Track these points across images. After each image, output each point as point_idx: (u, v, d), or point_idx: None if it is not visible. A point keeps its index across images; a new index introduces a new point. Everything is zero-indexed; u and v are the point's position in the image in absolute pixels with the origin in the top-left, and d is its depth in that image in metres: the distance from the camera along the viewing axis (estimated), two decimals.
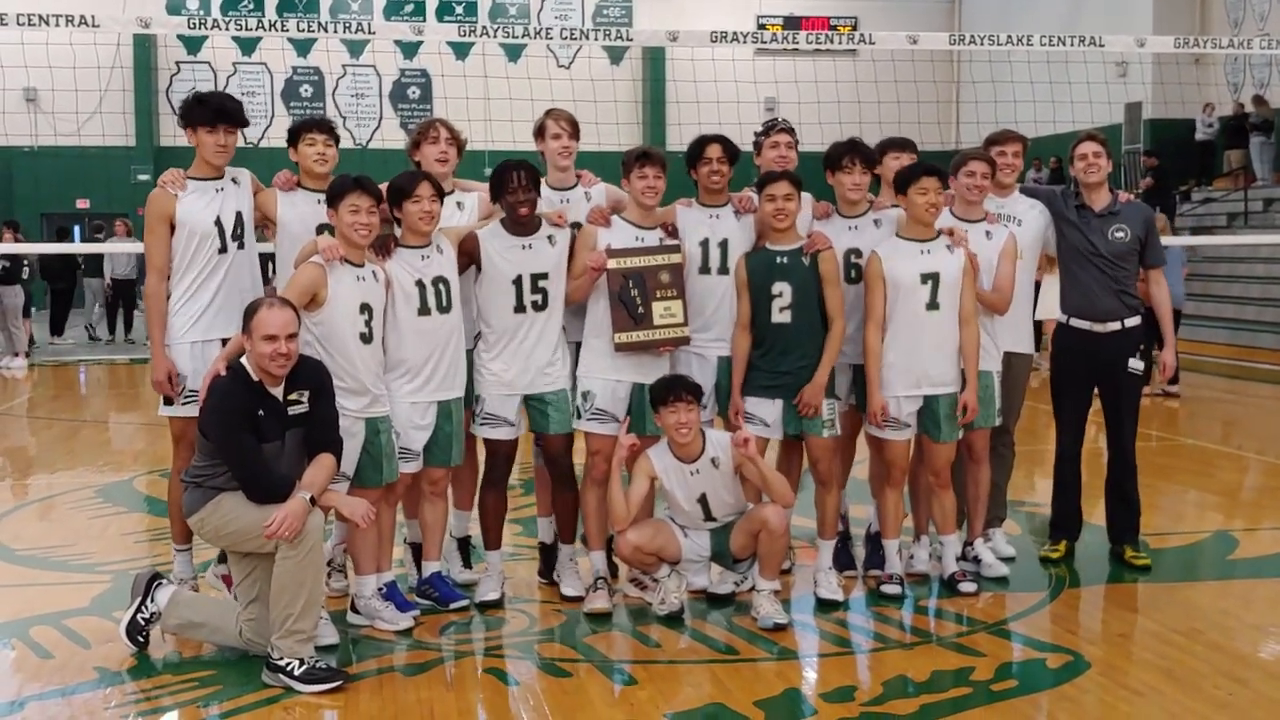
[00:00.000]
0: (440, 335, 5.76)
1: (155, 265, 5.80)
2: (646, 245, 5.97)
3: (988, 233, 6.28)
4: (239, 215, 5.84)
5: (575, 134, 6.27)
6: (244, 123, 5.88)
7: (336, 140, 6.06)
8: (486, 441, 6.06)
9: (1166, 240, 14.07)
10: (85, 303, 22.05)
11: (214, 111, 5.79)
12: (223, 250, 5.78)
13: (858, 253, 6.21)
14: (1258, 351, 17.32)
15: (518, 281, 5.87)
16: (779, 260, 5.96)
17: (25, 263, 18.15)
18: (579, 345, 6.13)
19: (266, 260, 6.18)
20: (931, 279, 5.98)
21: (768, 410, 6.01)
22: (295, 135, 6.00)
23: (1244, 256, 20.63)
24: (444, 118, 6.31)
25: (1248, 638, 5.70)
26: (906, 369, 6.06)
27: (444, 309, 5.75)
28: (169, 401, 5.83)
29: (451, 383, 5.84)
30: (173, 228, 5.75)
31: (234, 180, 5.91)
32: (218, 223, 5.76)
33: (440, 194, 5.74)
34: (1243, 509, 8.70)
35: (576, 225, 6.06)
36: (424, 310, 5.71)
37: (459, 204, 6.20)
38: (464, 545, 6.50)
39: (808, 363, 5.95)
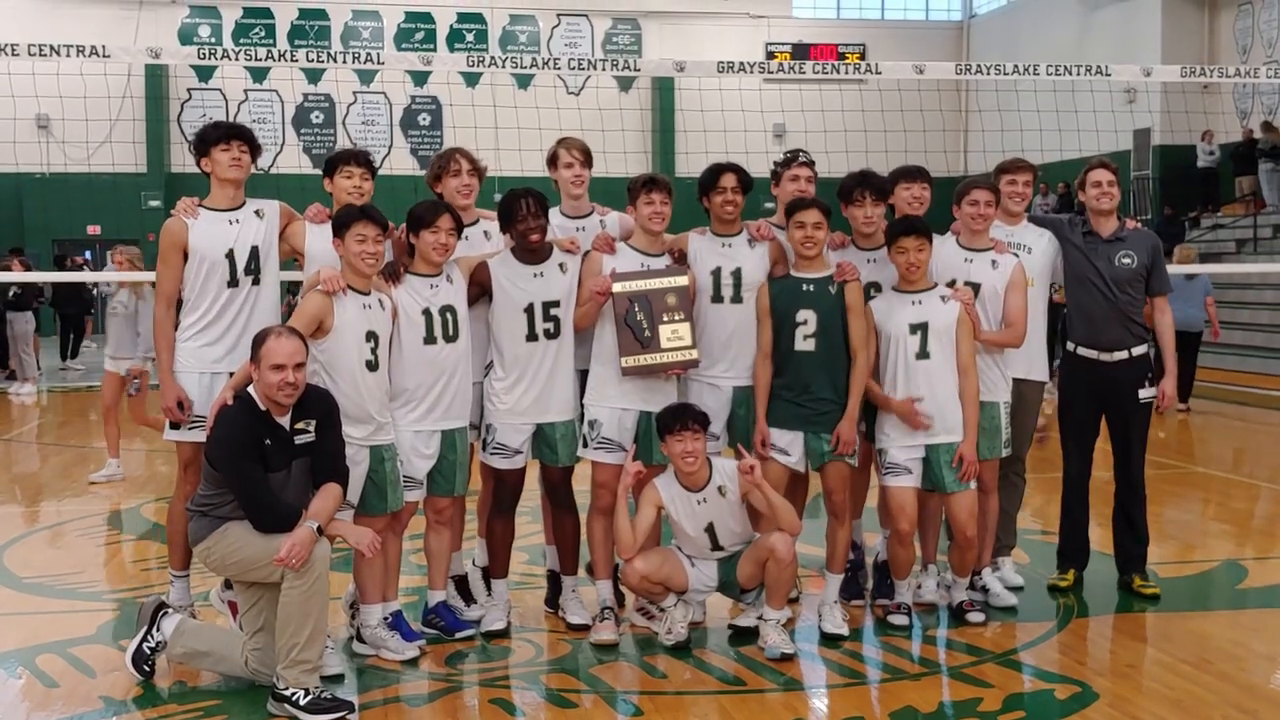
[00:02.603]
0: (445, 364, 5.76)
1: (163, 293, 5.80)
2: (652, 269, 5.97)
3: (994, 262, 6.24)
4: (254, 250, 5.79)
5: (588, 162, 6.28)
6: (256, 145, 5.89)
7: (374, 174, 6.02)
8: (494, 471, 6.06)
9: (1191, 268, 14.30)
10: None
11: (227, 128, 5.84)
12: (233, 284, 5.75)
13: (877, 286, 6.19)
14: (1268, 378, 17.28)
15: (529, 310, 5.87)
16: (805, 287, 5.94)
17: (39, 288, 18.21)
18: (585, 373, 6.13)
19: (296, 289, 6.17)
20: (921, 329, 5.94)
21: (790, 441, 5.98)
22: (332, 167, 5.98)
23: (1254, 283, 20.63)
24: (462, 147, 6.28)
25: (1258, 668, 5.67)
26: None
27: (450, 338, 5.76)
28: (175, 426, 5.83)
29: (456, 412, 5.84)
30: (187, 256, 5.75)
31: (257, 213, 5.87)
32: (229, 255, 5.73)
33: (459, 228, 5.75)
34: (1253, 537, 8.65)
35: (588, 253, 6.07)
36: (430, 339, 5.72)
37: (485, 233, 6.20)
38: (487, 573, 6.43)
39: (831, 393, 5.93)
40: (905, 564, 6.17)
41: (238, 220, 5.81)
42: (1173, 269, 14.87)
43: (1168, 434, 12.79)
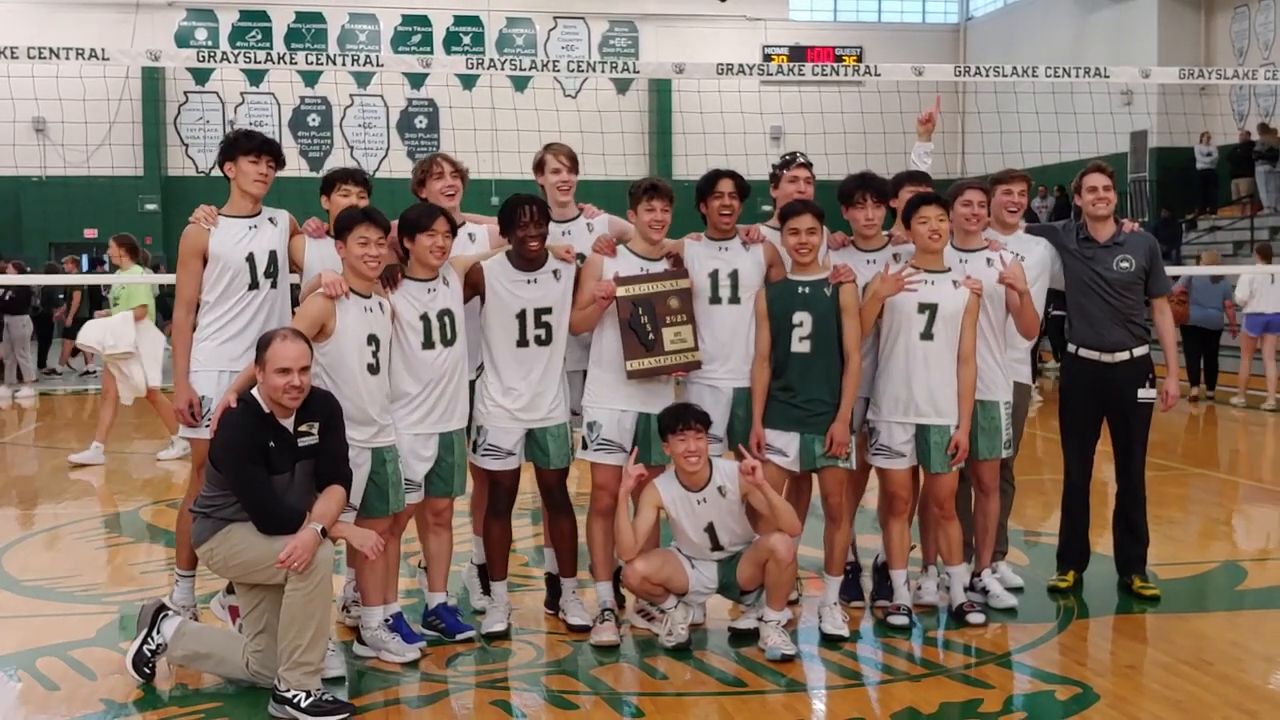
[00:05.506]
0: (444, 368, 5.77)
1: (184, 298, 5.89)
2: (653, 273, 5.99)
3: (989, 260, 6.24)
4: (272, 254, 5.89)
5: (574, 168, 6.31)
6: (283, 161, 5.97)
7: (370, 191, 6.09)
8: (488, 473, 6.07)
9: (1190, 270, 14.43)
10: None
11: (261, 141, 5.91)
12: (253, 286, 5.83)
13: None
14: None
15: (521, 316, 5.88)
16: (800, 290, 5.96)
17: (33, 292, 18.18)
18: (583, 374, 6.13)
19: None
20: (929, 309, 5.98)
21: (786, 442, 5.99)
22: (329, 185, 6.07)
23: None
24: (445, 151, 6.35)
25: (1257, 669, 5.67)
26: (896, 396, 6.07)
27: (448, 342, 5.77)
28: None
29: (453, 414, 5.85)
30: (206, 262, 5.82)
31: (271, 220, 5.97)
32: (249, 259, 5.82)
33: (453, 229, 5.77)
34: (1252, 539, 8.66)
35: (581, 257, 6.08)
36: (428, 344, 5.72)
37: (470, 235, 6.24)
38: (484, 571, 6.44)
39: (826, 394, 5.94)
40: (900, 547, 6.20)
41: (255, 226, 5.90)
42: (1197, 270, 15.45)
43: (1167, 435, 12.78)
